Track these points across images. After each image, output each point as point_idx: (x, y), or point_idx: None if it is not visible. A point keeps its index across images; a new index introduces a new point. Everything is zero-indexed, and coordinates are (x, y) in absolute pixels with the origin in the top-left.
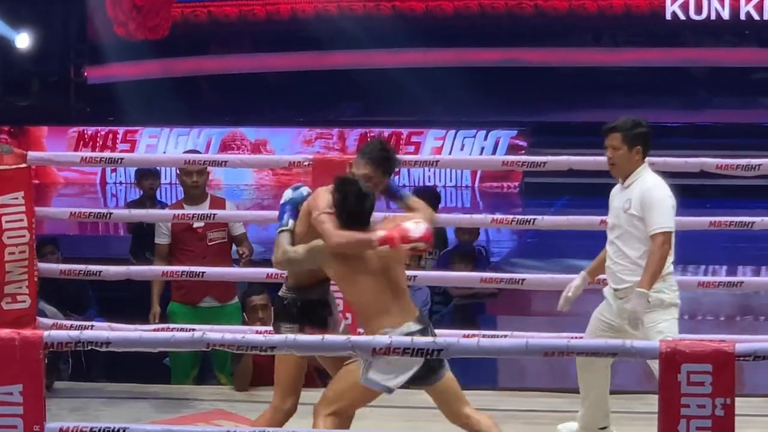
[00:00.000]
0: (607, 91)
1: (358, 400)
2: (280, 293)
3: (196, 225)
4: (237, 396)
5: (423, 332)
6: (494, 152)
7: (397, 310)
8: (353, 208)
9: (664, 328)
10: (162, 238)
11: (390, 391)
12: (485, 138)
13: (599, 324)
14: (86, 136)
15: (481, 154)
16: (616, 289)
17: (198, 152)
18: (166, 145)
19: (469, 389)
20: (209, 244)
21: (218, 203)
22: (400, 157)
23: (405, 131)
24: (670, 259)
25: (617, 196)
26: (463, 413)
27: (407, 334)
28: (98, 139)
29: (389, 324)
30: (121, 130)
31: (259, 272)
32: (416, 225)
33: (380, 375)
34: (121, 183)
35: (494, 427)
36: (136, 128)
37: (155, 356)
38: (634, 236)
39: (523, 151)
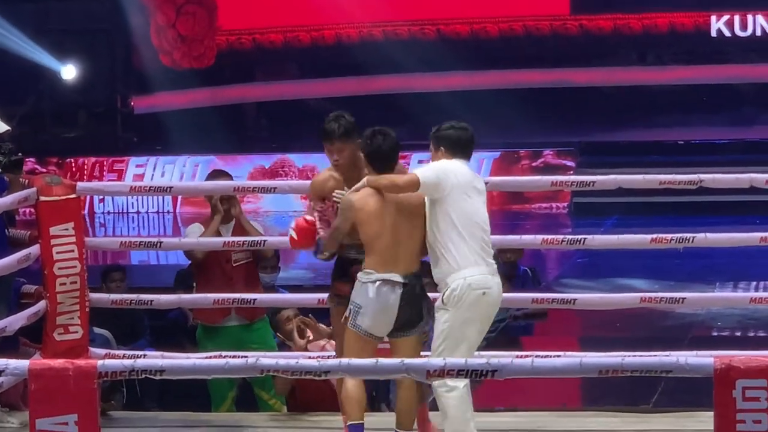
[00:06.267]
0: (653, 110)
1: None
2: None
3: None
4: (290, 422)
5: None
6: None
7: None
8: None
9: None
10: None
11: (370, 335)
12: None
13: None
14: (73, 167)
15: None
16: None
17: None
18: (152, 174)
19: (523, 411)
20: (234, 265)
21: (240, 226)
22: None
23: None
24: None
25: None
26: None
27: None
28: (85, 170)
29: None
30: (108, 160)
31: (310, 298)
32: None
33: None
34: (109, 213)
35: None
36: (123, 158)
37: (205, 383)
38: None
39: (571, 172)
